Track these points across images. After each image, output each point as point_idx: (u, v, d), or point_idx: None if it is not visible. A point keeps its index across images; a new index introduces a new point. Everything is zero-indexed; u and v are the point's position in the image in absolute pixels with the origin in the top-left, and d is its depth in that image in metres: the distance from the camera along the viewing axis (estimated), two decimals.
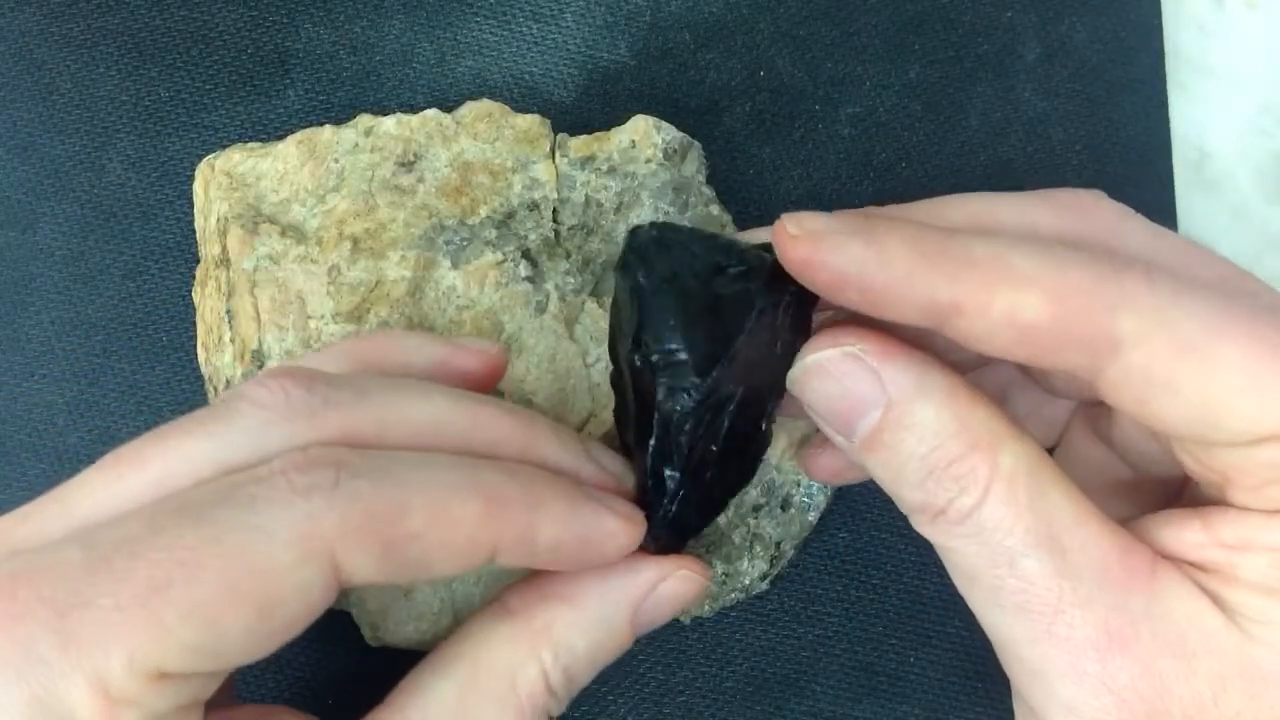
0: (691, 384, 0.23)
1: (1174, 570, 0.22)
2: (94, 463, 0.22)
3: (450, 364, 0.26)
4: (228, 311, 0.29)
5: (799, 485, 0.31)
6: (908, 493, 0.23)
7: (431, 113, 0.31)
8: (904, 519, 0.34)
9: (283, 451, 0.21)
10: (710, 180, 0.32)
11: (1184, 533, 0.22)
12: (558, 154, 0.31)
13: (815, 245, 0.22)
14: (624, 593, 0.24)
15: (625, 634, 0.24)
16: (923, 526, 0.23)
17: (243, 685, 0.31)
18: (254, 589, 0.20)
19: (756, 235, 0.25)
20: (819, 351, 0.23)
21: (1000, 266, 0.21)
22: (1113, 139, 0.37)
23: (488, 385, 0.27)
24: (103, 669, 0.19)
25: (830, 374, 0.23)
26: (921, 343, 0.26)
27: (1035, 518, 0.22)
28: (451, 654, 0.24)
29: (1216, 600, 0.22)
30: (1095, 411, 0.28)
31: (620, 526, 0.23)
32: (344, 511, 0.20)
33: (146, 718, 0.19)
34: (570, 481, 0.24)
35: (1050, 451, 0.29)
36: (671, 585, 0.24)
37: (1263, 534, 0.22)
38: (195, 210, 0.32)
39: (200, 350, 0.31)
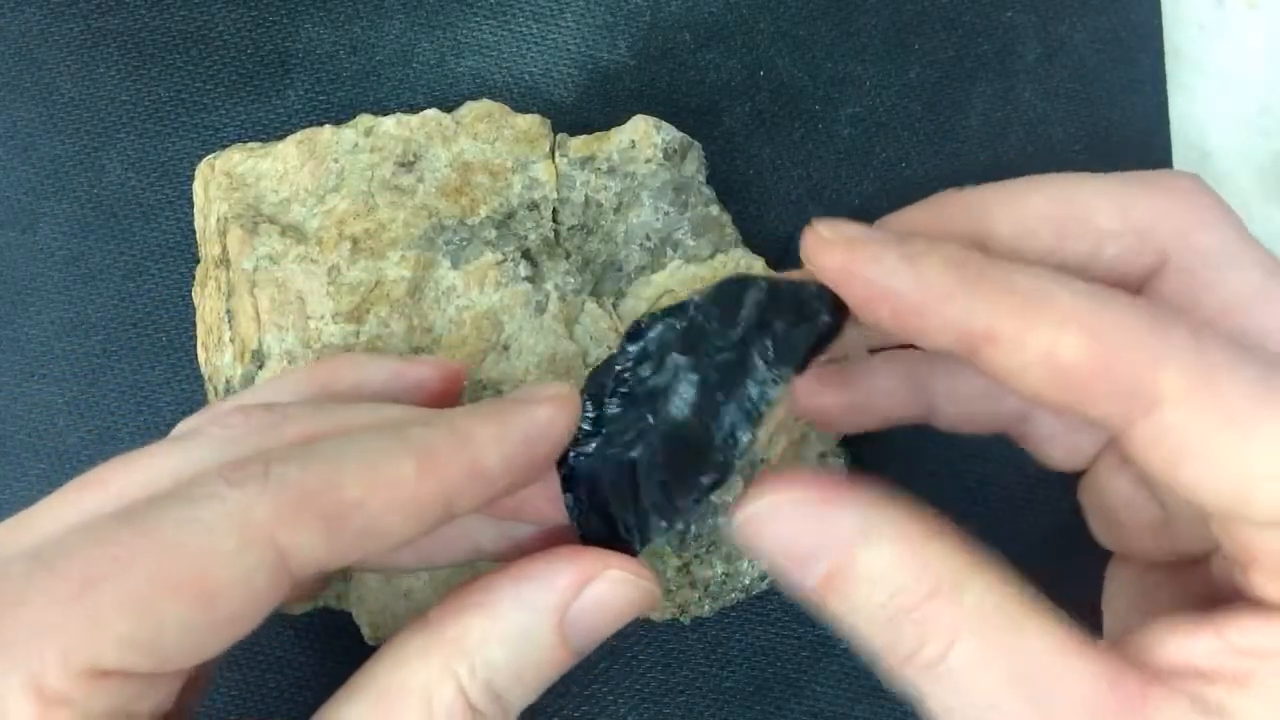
0: (643, 323, 0.23)
1: (1166, 691, 0.21)
2: (92, 465, 0.22)
3: (406, 375, 0.26)
4: (228, 311, 0.29)
5: None
6: (871, 639, 0.22)
7: (431, 113, 0.31)
8: None
9: None
10: (710, 180, 0.32)
11: (1195, 642, 0.21)
12: (557, 154, 0.31)
13: (851, 253, 0.21)
14: (543, 598, 0.22)
15: (554, 645, 0.22)
16: (890, 671, 0.22)
17: (242, 686, 0.31)
18: (191, 578, 0.19)
19: None
20: (760, 500, 0.22)
21: (1043, 299, 0.20)
22: (1113, 139, 0.37)
23: (448, 395, 0.26)
24: (36, 667, 0.18)
25: (774, 522, 0.22)
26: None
27: (1009, 660, 0.20)
28: (367, 675, 0.22)
29: (1220, 714, 0.20)
30: None
31: (552, 411, 0.22)
32: (276, 495, 0.20)
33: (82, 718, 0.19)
34: (494, 401, 0.23)
35: (1079, 476, 0.28)
36: (602, 590, 0.22)
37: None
38: (195, 210, 0.32)
39: (200, 350, 0.31)
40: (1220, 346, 0.20)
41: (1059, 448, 0.27)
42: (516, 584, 0.22)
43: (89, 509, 0.21)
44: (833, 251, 0.21)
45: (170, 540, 0.19)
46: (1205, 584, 0.25)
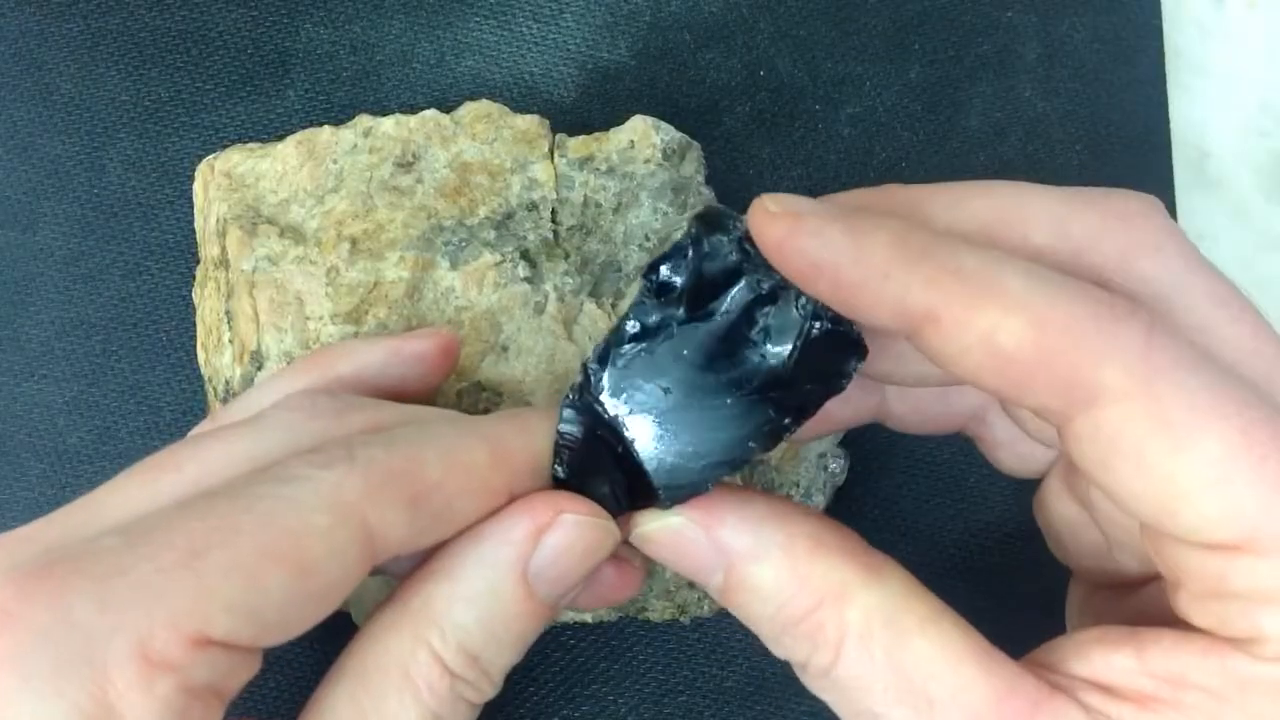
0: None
1: (1063, 703, 0.20)
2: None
3: (402, 350, 0.26)
4: (227, 312, 0.29)
5: (797, 486, 0.31)
6: (770, 646, 0.23)
7: (430, 113, 0.31)
8: (904, 519, 0.34)
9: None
10: (710, 180, 0.32)
11: (1112, 657, 0.21)
12: (556, 154, 0.31)
13: (793, 227, 0.21)
14: (502, 553, 0.22)
15: (521, 599, 0.22)
16: (797, 673, 0.23)
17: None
18: (290, 550, 0.20)
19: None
20: (647, 525, 0.23)
21: (989, 282, 0.19)
22: (1113, 139, 0.37)
23: (445, 364, 0.27)
24: (144, 630, 0.18)
25: (665, 545, 0.23)
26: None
27: (894, 673, 0.21)
28: (347, 657, 0.22)
29: None
30: (1069, 466, 0.26)
31: None
32: (365, 474, 0.21)
33: (180, 688, 0.19)
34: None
35: (1039, 483, 0.27)
36: (559, 537, 0.22)
37: (1197, 673, 0.20)
38: (195, 210, 0.32)
39: (200, 351, 0.31)
40: (1172, 348, 0.19)
41: (1009, 454, 0.27)
42: (475, 543, 0.23)
43: (167, 491, 0.22)
44: (776, 225, 0.21)
45: (268, 514, 0.20)
46: (1145, 609, 0.24)
